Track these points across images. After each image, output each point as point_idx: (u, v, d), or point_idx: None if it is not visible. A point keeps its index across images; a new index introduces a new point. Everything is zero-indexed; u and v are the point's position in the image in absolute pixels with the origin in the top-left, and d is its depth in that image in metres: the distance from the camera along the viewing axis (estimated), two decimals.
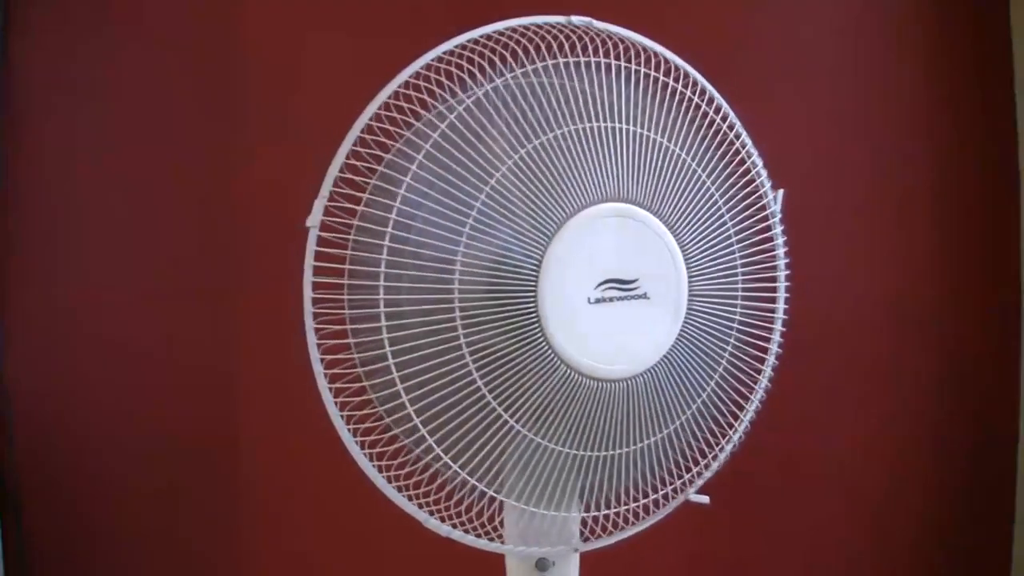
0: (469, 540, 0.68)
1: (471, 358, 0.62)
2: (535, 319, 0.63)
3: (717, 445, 0.73)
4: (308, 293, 0.62)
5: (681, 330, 0.69)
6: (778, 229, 0.77)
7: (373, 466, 0.65)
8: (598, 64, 0.68)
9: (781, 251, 0.77)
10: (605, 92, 0.67)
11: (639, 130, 0.67)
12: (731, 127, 0.74)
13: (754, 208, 0.74)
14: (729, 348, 0.72)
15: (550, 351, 0.64)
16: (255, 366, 1.28)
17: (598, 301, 0.65)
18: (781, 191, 0.78)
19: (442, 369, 0.62)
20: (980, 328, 1.23)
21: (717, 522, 1.19)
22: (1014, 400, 1.22)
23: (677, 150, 0.69)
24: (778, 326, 0.76)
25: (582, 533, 0.73)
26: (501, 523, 0.69)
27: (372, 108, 0.63)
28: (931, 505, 1.23)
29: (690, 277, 0.69)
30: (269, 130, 1.26)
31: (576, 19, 0.69)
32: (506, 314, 0.63)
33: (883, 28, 1.24)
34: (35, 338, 1.27)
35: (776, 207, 0.77)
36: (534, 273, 0.63)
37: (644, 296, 0.67)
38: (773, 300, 0.75)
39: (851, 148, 1.24)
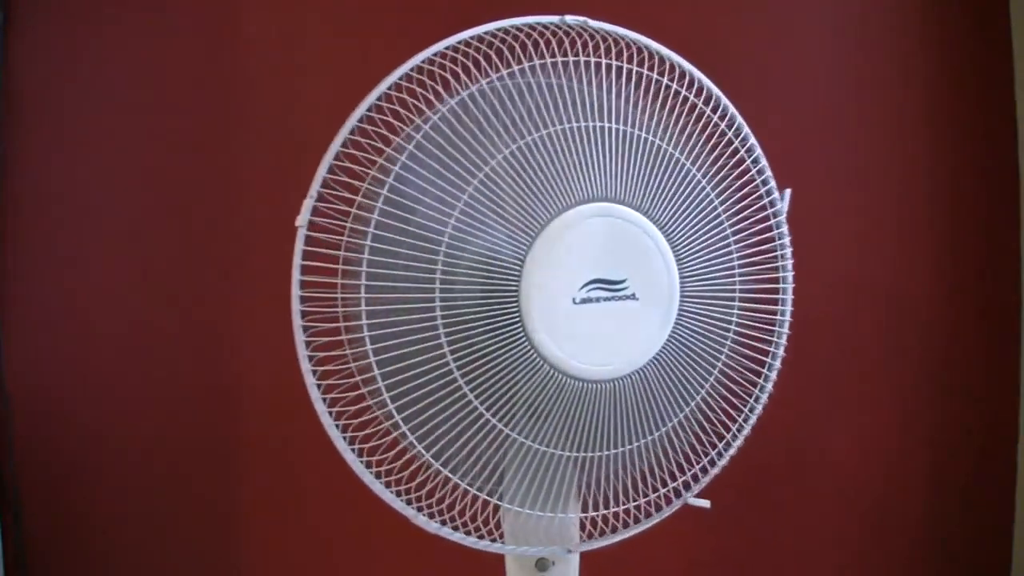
0: (458, 538, 0.68)
1: (451, 356, 0.63)
2: (517, 318, 0.63)
3: (714, 449, 0.72)
4: (296, 292, 0.64)
5: (672, 332, 0.68)
6: (783, 229, 0.76)
7: (361, 462, 0.66)
8: (587, 63, 0.68)
9: (788, 251, 0.76)
10: (595, 91, 0.67)
11: (630, 129, 0.67)
12: (731, 124, 0.73)
13: (754, 208, 0.73)
14: (725, 351, 0.71)
15: (532, 350, 0.64)
16: (255, 366, 1.26)
17: (584, 301, 0.65)
18: (788, 190, 0.77)
19: (424, 367, 0.63)
20: (980, 328, 1.23)
21: (717, 522, 1.18)
22: (1014, 400, 1.21)
23: (670, 149, 0.68)
24: (784, 329, 0.75)
25: (580, 535, 0.72)
26: (498, 523, 0.69)
27: (360, 110, 0.65)
28: (931, 505, 1.23)
29: (683, 278, 0.68)
30: (269, 130, 1.26)
31: (570, 18, 0.70)
32: (488, 312, 0.63)
33: (882, 27, 1.24)
34: (35, 338, 1.28)
35: (783, 206, 0.76)
36: (516, 271, 0.63)
37: (632, 297, 0.66)
38: (775, 303, 0.74)
39: (850, 148, 1.24)
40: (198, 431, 1.26)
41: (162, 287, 1.27)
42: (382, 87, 0.65)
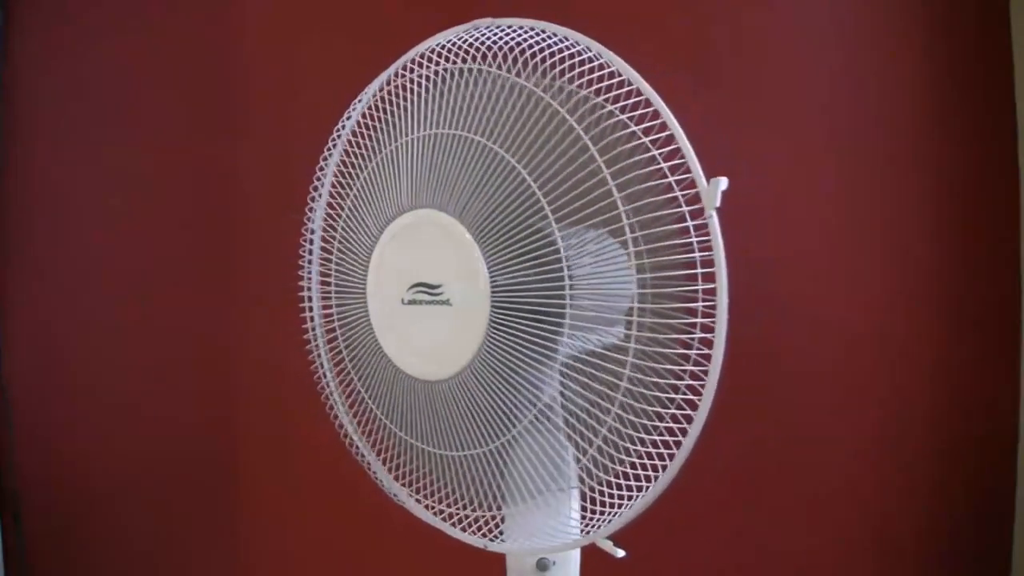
0: (411, 505, 0.76)
1: (342, 340, 0.75)
2: (364, 313, 0.71)
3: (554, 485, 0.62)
4: (316, 287, 0.83)
5: (488, 345, 0.63)
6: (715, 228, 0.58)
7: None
8: (461, 71, 0.67)
9: (720, 252, 0.58)
10: (437, 100, 0.67)
11: (462, 134, 0.65)
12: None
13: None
14: (556, 377, 0.61)
15: (377, 345, 0.70)
16: (254, 367, 1.22)
17: (410, 303, 0.67)
18: (721, 179, 0.58)
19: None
20: (980, 328, 1.17)
21: (716, 523, 1.21)
22: (1014, 400, 1.16)
23: (495, 147, 0.62)
24: (644, 362, 0.58)
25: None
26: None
27: (344, 133, 0.80)
28: (931, 506, 1.21)
29: (496, 289, 0.62)
30: (270, 131, 1.21)
31: (480, 21, 0.69)
32: (354, 307, 0.72)
33: (882, 27, 1.18)
34: (35, 339, 1.28)
35: (710, 200, 0.58)
36: (363, 271, 0.71)
37: (447, 303, 0.65)
38: (629, 324, 0.58)
39: (849, 148, 1.17)
40: (197, 430, 1.26)
41: (162, 287, 1.25)
42: (349, 123, 0.78)
